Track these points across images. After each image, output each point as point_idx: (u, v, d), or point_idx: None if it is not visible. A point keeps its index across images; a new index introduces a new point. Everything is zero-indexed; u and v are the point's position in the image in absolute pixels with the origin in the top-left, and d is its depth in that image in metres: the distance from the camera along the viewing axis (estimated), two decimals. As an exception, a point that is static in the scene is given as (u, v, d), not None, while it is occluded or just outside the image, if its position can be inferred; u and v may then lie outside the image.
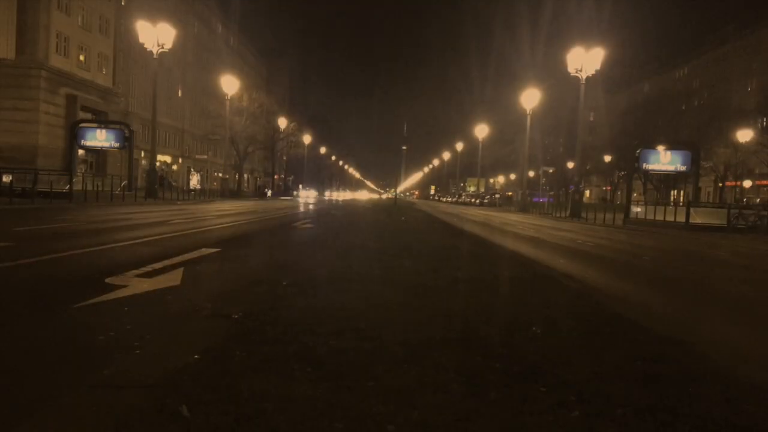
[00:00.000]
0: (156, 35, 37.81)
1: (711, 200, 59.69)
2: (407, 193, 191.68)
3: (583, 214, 35.68)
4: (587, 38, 39.34)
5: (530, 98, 50.34)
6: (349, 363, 3.58)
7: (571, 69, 38.03)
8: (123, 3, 50.05)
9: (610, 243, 17.49)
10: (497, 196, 79.10)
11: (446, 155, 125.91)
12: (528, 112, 50.14)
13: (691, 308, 6.97)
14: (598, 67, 37.87)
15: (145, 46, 38.37)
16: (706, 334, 5.35)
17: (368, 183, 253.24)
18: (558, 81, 57.05)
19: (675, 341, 4.57)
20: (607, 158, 67.48)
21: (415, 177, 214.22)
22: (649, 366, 3.82)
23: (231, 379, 3.22)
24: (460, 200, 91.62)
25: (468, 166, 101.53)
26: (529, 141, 52.59)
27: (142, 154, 51.78)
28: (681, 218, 26.82)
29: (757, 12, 66.03)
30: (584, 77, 37.58)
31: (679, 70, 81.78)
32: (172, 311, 5.08)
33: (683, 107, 64.49)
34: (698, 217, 26.88)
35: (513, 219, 33.38)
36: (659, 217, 28.51)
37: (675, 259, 14.04)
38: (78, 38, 42.77)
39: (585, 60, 37.45)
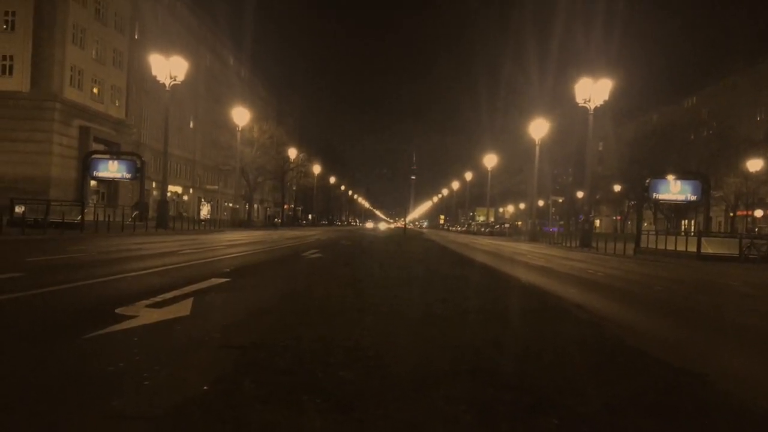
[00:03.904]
0: (169, 68, 38.38)
1: (722, 230, 59.28)
2: (417, 223, 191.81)
3: (594, 244, 35.52)
4: (595, 69, 39.59)
5: (539, 128, 50.60)
6: (359, 394, 3.55)
7: (580, 99, 38.23)
8: (137, 37, 50.94)
9: (620, 273, 17.37)
10: (507, 225, 78.95)
11: (455, 185, 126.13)
12: (537, 142, 50.34)
13: (704, 339, 6.88)
14: (606, 97, 38.06)
15: (158, 78, 38.95)
16: (721, 366, 5.27)
17: (377, 212, 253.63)
18: (566, 111, 57.34)
19: (688, 373, 4.51)
20: (617, 188, 67.35)
21: (425, 206, 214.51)
22: (662, 398, 3.77)
23: (240, 410, 3.21)
24: (469, 229, 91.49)
25: (477, 195, 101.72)
26: (538, 170, 52.69)
27: (153, 184, 52.22)
28: (692, 248, 26.61)
29: (764, 43, 66.38)
30: (592, 107, 37.76)
31: (687, 101, 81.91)
32: (181, 342, 5.08)
33: (692, 137, 64.45)
34: (710, 247, 26.66)
35: (523, 248, 33.26)
36: (670, 246, 28.31)
37: (687, 289, 13.91)
38: (92, 71, 43.50)
39: (593, 90, 37.67)
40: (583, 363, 4.69)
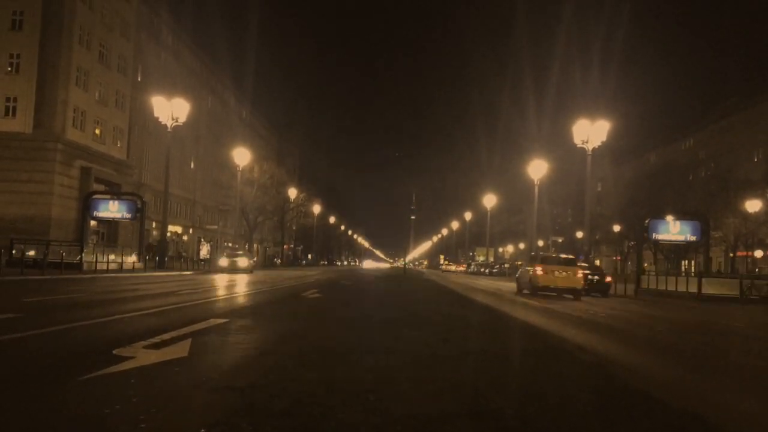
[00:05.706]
0: (170, 109, 38.78)
1: (722, 270, 59.13)
2: (416, 262, 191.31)
3: (594, 284, 35.33)
4: (593, 110, 39.92)
5: (537, 169, 50.89)
6: (358, 437, 3.50)
7: (577, 141, 38.45)
8: (139, 78, 51.60)
9: (621, 313, 17.27)
10: (507, 265, 78.79)
11: (455, 225, 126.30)
12: (536, 182, 50.59)
13: (707, 381, 6.81)
14: (603, 138, 38.26)
15: (160, 119, 39.31)
16: (724, 408, 5.21)
17: (377, 252, 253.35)
18: (565, 151, 57.73)
19: (692, 415, 4.45)
20: (616, 228, 67.45)
21: (424, 246, 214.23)
22: (666, 441, 3.72)
23: (237, 453, 3.16)
24: (469, 270, 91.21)
25: (477, 234, 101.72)
26: (537, 210, 52.82)
27: (154, 224, 52.25)
28: (693, 288, 26.53)
29: (759, 84, 67.33)
30: (590, 149, 37.96)
31: (685, 142, 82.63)
32: (179, 383, 5.02)
33: (690, 177, 64.86)
34: (710, 288, 26.58)
35: (523, 289, 33.06)
36: (671, 287, 28.21)
37: (689, 330, 13.82)
38: (94, 112, 43.94)
39: (591, 132, 37.91)
40: (585, 405, 4.63)
